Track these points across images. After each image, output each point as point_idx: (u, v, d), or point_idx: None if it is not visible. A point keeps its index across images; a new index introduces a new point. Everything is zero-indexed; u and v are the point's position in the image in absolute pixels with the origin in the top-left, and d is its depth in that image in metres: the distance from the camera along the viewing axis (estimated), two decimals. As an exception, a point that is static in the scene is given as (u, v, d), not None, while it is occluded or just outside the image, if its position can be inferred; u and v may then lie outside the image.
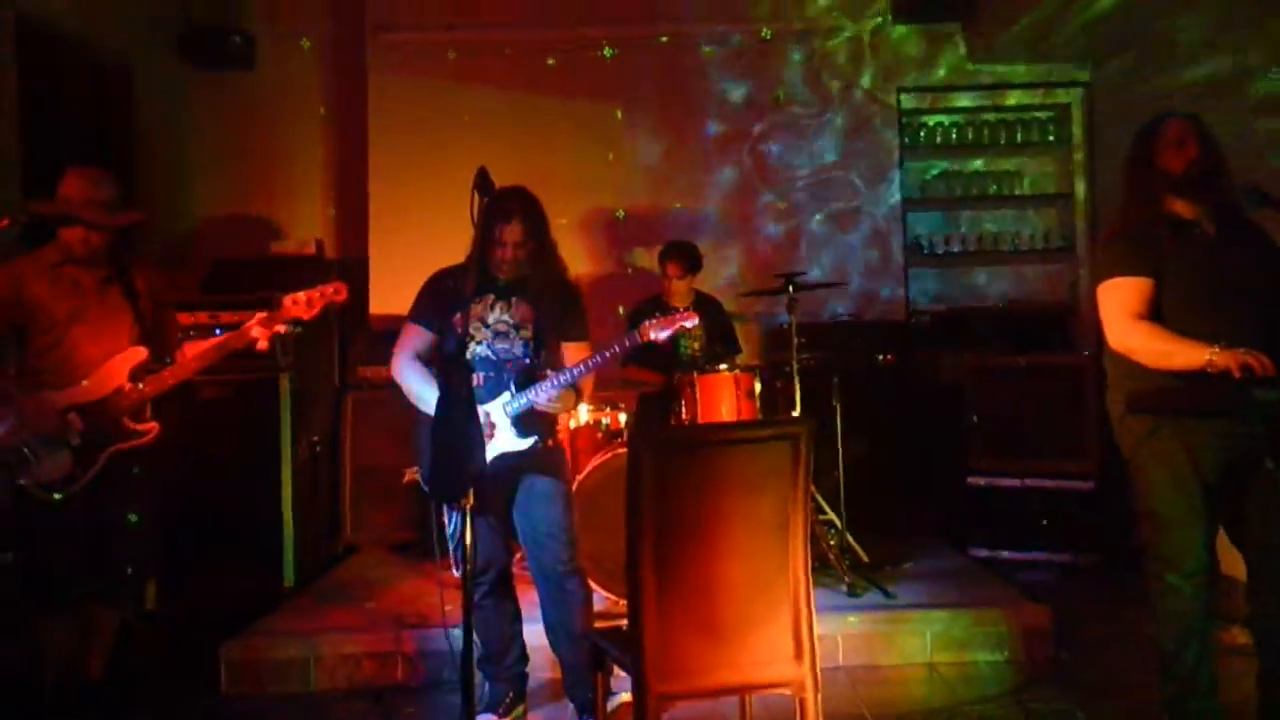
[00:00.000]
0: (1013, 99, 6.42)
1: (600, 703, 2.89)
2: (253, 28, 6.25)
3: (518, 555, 3.71)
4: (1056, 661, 3.98)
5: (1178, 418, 2.94)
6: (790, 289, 4.83)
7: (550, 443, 3.48)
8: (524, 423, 3.35)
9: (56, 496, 3.27)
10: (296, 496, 5.00)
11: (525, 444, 3.35)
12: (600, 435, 4.80)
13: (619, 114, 6.14)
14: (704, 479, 2.55)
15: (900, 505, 5.60)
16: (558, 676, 3.60)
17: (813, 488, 4.56)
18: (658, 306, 5.01)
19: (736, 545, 2.56)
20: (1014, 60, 6.29)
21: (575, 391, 3.48)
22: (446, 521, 3.44)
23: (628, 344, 3.44)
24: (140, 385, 3.39)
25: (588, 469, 4.40)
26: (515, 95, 6.07)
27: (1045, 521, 5.15)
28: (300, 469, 5.07)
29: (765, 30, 6.19)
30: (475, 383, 3.28)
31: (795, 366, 4.74)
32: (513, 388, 3.33)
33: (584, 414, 4.77)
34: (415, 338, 3.44)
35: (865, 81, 6.24)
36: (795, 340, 4.77)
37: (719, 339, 5.21)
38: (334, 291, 3.48)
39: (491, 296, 3.39)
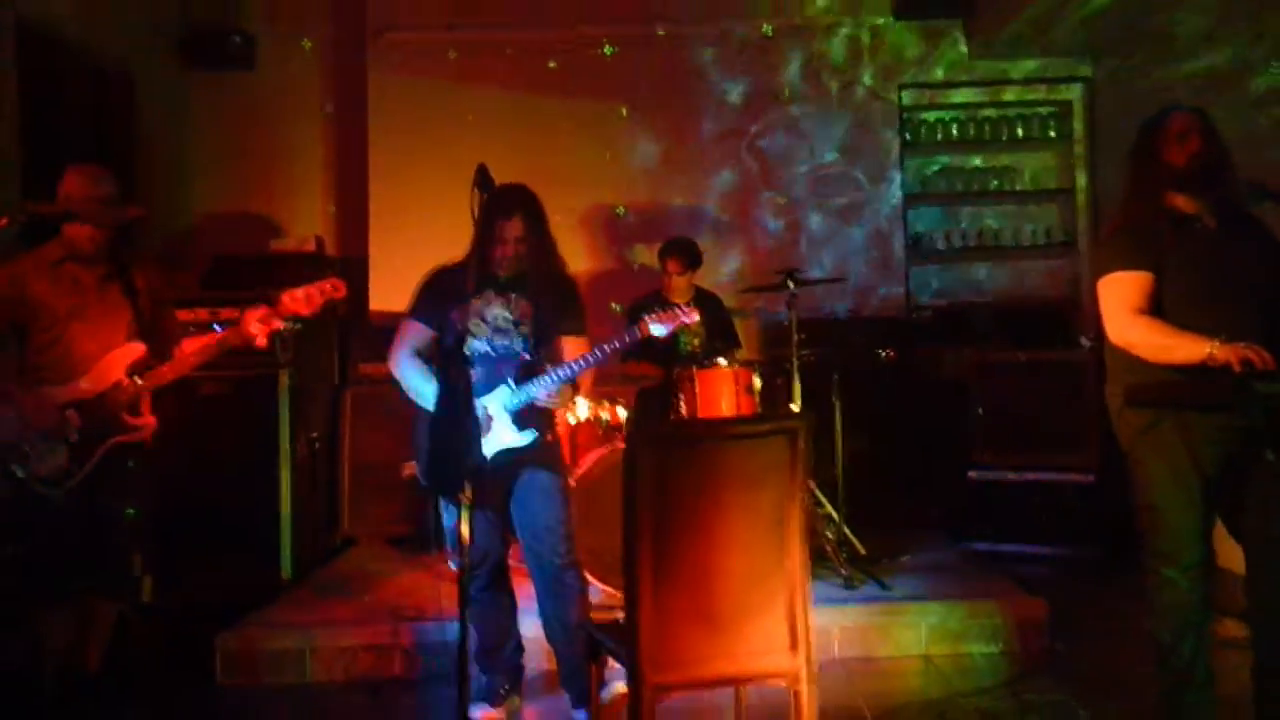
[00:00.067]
0: (1014, 94, 6.41)
1: (595, 694, 2.90)
2: (253, 28, 6.26)
3: (514, 548, 3.71)
4: (1052, 653, 3.99)
5: (1177, 411, 2.94)
6: (790, 285, 4.83)
7: (549, 437, 3.49)
8: (522, 417, 3.36)
9: (54, 491, 3.28)
10: (295, 491, 5.00)
11: (524, 439, 3.36)
12: (600, 430, 4.80)
13: (619, 112, 6.14)
14: (702, 473, 2.56)
15: (900, 500, 5.59)
16: (553, 668, 3.62)
17: (811, 482, 4.62)
18: (658, 302, 5.01)
19: (734, 539, 2.57)
20: (1015, 56, 6.29)
21: (573, 387, 3.49)
22: (444, 515, 3.44)
23: (627, 339, 3.45)
24: (138, 380, 3.40)
25: (587, 463, 4.40)
26: (516, 94, 6.08)
27: (1045, 515, 5.15)
28: (299, 464, 5.08)
29: (766, 27, 6.20)
30: (474, 378, 3.29)
31: (795, 362, 4.74)
32: (512, 383, 3.34)
33: (584, 409, 4.78)
34: (414, 334, 3.44)
35: (866, 78, 6.24)
36: (795, 336, 4.78)
37: (719, 335, 5.21)
38: (332, 288, 3.48)
39: (491, 293, 3.39)
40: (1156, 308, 2.96)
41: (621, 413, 4.83)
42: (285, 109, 6.34)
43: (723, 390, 4.61)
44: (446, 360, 3.22)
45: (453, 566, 4.17)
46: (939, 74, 6.34)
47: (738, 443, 2.61)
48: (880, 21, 6.26)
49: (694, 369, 4.66)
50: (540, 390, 3.31)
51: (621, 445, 4.24)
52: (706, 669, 2.55)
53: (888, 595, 4.29)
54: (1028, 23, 5.72)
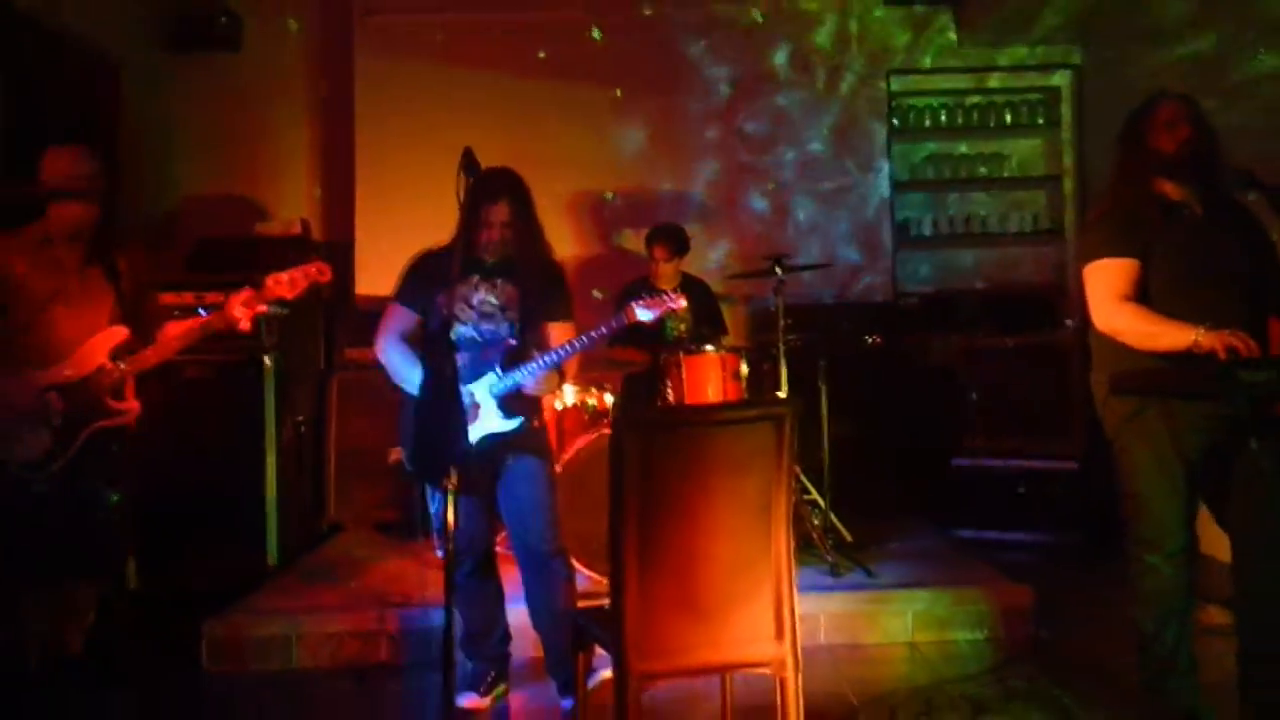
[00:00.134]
0: (1002, 81, 6.40)
1: (581, 681, 2.90)
2: (239, 9, 6.19)
3: (501, 535, 3.71)
4: (1037, 640, 4.01)
5: (1162, 399, 2.94)
6: (777, 271, 4.82)
7: (535, 423, 3.48)
8: (509, 404, 3.34)
9: (37, 476, 3.26)
10: (281, 476, 4.98)
11: (510, 425, 3.34)
12: (586, 416, 4.80)
13: (608, 96, 6.11)
14: (688, 459, 2.54)
15: (885, 486, 5.60)
16: (540, 655, 3.61)
17: (797, 468, 4.63)
18: (645, 288, 5.01)
19: (719, 525, 2.56)
20: (1003, 43, 6.28)
21: (560, 373, 3.48)
22: (430, 501, 3.43)
23: (614, 325, 3.43)
24: (121, 364, 3.38)
25: (573, 449, 4.40)
26: (504, 77, 6.04)
27: (1030, 502, 5.17)
28: (285, 450, 5.06)
29: (755, 13, 6.17)
30: (460, 363, 3.27)
31: (782, 348, 4.74)
32: (498, 369, 3.32)
33: (570, 395, 4.77)
34: (400, 318, 3.42)
35: (854, 64, 6.22)
36: (782, 322, 4.77)
37: (706, 321, 5.21)
38: (317, 271, 3.46)
39: (477, 277, 3.37)
40: (1142, 295, 2.97)
41: (608, 398, 4.83)
42: (271, 91, 6.28)
43: (710, 376, 4.61)
44: (431, 345, 3.21)
45: (440, 554, 4.15)
46: (927, 61, 6.32)
47: (724, 429, 2.60)
48: (869, 8, 6.24)
49: (681, 355, 4.65)
50: (527, 376, 3.30)
51: (608, 431, 4.23)
52: (692, 657, 2.54)
53: (874, 582, 4.29)
54: (1017, 9, 5.71)
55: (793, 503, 2.63)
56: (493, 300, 3.38)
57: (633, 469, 2.48)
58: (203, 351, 4.06)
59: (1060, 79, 6.36)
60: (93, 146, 3.45)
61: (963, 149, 6.56)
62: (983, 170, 6.49)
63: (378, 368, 3.46)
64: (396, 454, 3.51)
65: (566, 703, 3.41)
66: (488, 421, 3.32)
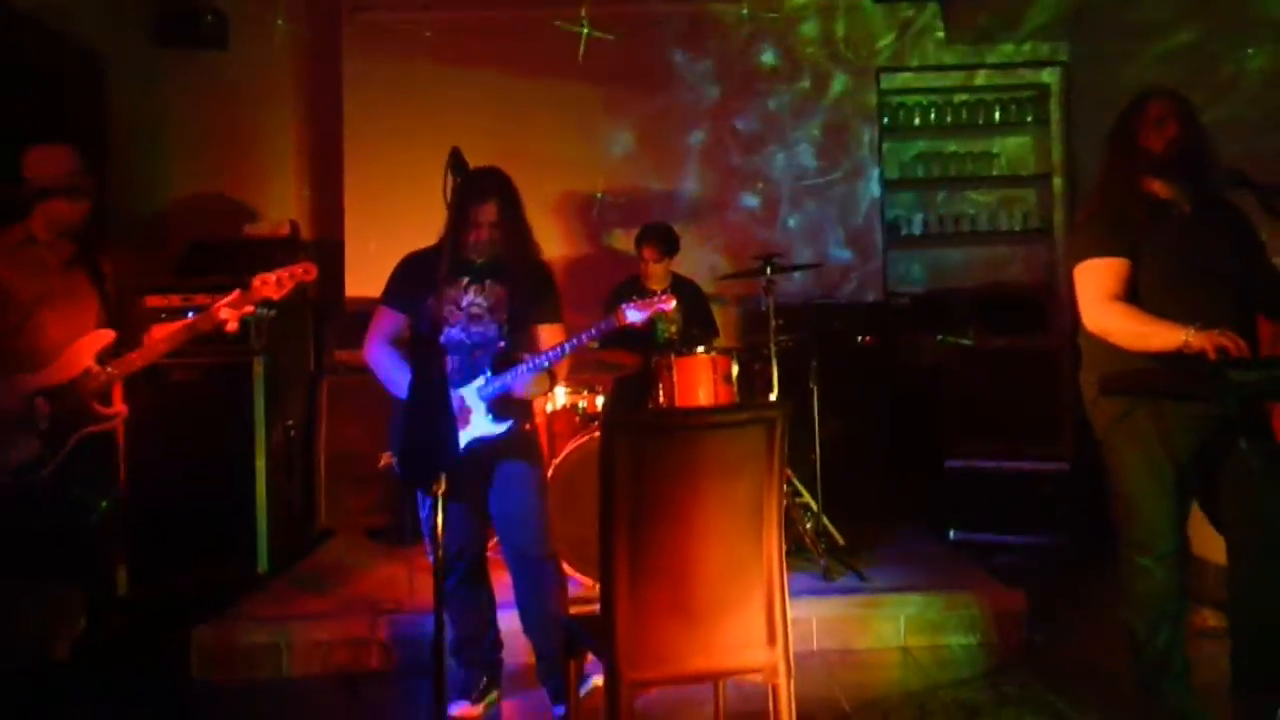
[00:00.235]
0: (991, 79, 6.40)
1: (572, 689, 2.88)
2: (226, 6, 6.14)
3: (492, 540, 3.68)
4: (1030, 645, 4.00)
5: (1152, 400, 2.94)
6: (768, 271, 4.80)
7: (526, 427, 3.45)
8: (499, 407, 3.32)
9: (25, 481, 3.23)
10: (270, 481, 4.95)
11: (500, 428, 3.32)
12: (577, 419, 4.78)
13: (597, 96, 6.09)
14: (678, 463, 2.53)
15: (878, 488, 5.59)
16: (532, 662, 3.58)
17: (789, 471, 4.61)
18: (635, 289, 5.00)
19: (711, 530, 2.54)
20: (992, 40, 6.27)
21: (550, 375, 3.45)
22: (421, 507, 3.41)
23: (604, 327, 3.41)
24: (108, 368, 3.35)
25: (564, 453, 4.38)
26: (493, 76, 6.02)
27: (1020, 504, 5.16)
28: (275, 454, 5.03)
29: (743, 11, 6.16)
30: (449, 366, 3.25)
31: (773, 349, 4.73)
32: (488, 372, 3.30)
33: (561, 397, 4.75)
34: (388, 321, 3.39)
35: (843, 63, 6.22)
36: (773, 322, 4.76)
37: (697, 322, 5.19)
38: (303, 271, 3.45)
39: (465, 279, 3.35)
40: (1132, 294, 2.96)
41: (599, 401, 4.81)
42: (259, 90, 6.24)
43: (701, 378, 4.59)
44: (420, 349, 3.18)
45: (432, 559, 4.13)
46: (916, 59, 6.32)
47: (715, 432, 2.58)
48: (858, 5, 6.23)
49: (672, 357, 4.63)
50: (516, 379, 3.27)
51: (599, 434, 4.21)
52: (684, 664, 2.53)
53: (866, 587, 4.28)
54: (1003, 6, 5.70)
55: (784, 506, 2.61)
56: (481, 302, 3.35)
57: (623, 473, 2.47)
58: (192, 355, 4.03)
59: (1049, 76, 6.35)
60: (79, 146, 3.42)
61: (952, 147, 6.55)
62: (971, 168, 6.48)
63: (368, 370, 3.43)
64: (387, 458, 3.47)
65: (558, 710, 3.38)
66: (478, 425, 3.30)
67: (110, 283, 3.46)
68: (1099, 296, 2.99)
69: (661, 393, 4.63)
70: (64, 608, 3.47)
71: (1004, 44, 6.31)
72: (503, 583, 3.53)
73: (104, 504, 3.40)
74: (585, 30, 6.03)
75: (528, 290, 3.37)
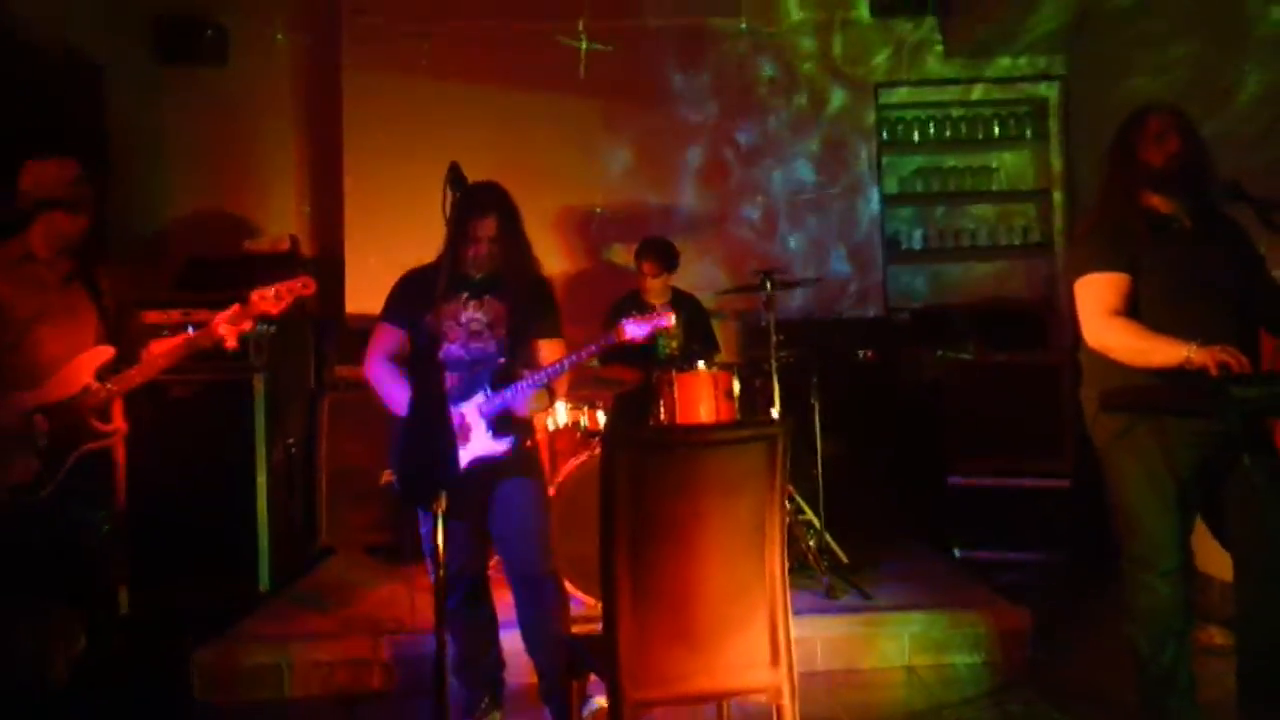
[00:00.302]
0: (990, 94, 6.40)
1: (575, 710, 2.86)
2: (226, 22, 6.16)
3: (493, 559, 3.66)
4: (1035, 663, 3.98)
5: (1153, 416, 2.92)
6: (769, 286, 4.79)
7: (528, 443, 3.43)
8: (499, 424, 3.30)
9: (25, 499, 3.22)
10: (271, 499, 4.94)
11: (501, 446, 3.30)
12: (579, 435, 4.76)
13: (596, 110, 6.10)
14: (680, 481, 2.52)
15: (881, 505, 5.56)
16: (534, 682, 3.56)
17: (791, 487, 4.59)
18: (635, 304, 4.99)
19: (713, 548, 2.53)
20: (991, 55, 6.28)
21: (550, 391, 3.44)
22: (423, 524, 3.39)
23: (604, 342, 3.40)
24: (107, 384, 3.33)
25: (566, 470, 4.36)
26: (492, 90, 6.02)
27: (1022, 520, 5.14)
28: (275, 471, 5.02)
29: (742, 25, 6.17)
30: (448, 383, 3.24)
31: (774, 364, 4.71)
32: (487, 388, 3.28)
33: (562, 414, 4.74)
34: (387, 338, 3.38)
35: (842, 77, 6.23)
36: (774, 338, 4.75)
37: (698, 337, 5.18)
38: (302, 285, 3.43)
39: (465, 295, 3.33)
40: (1132, 309, 2.95)
41: (601, 418, 4.79)
42: (259, 105, 6.26)
43: (702, 394, 4.58)
44: (420, 365, 3.18)
45: (433, 578, 4.11)
46: (915, 74, 6.32)
47: (716, 449, 2.58)
48: (856, 20, 6.24)
49: (673, 373, 4.62)
50: (517, 395, 3.26)
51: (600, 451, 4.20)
52: (688, 685, 2.52)
53: (870, 605, 4.26)
54: (1001, 21, 5.72)
55: (785, 524, 2.60)
56: (481, 318, 3.34)
57: (624, 490, 2.46)
58: (193, 371, 4.00)
59: (1048, 90, 6.36)
60: (80, 160, 3.41)
61: (951, 162, 6.55)
62: (971, 183, 6.48)
63: (369, 387, 3.42)
64: (389, 476, 3.46)
65: (561, 731, 3.37)
66: (478, 443, 3.28)
67: (109, 298, 3.43)
68: (1099, 311, 2.98)
69: (662, 409, 4.62)
70: (63, 628, 3.44)
71: (1002, 58, 6.32)
72: (504, 602, 3.51)
73: (106, 526, 3.38)
74: (584, 45, 6.04)
75: (527, 305, 3.36)
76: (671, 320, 3.48)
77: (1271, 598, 2.88)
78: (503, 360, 3.33)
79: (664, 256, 5.13)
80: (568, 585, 3.57)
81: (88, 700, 3.47)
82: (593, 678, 2.75)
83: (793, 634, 2.57)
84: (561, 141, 6.04)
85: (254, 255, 5.74)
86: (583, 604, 4.08)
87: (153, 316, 4.76)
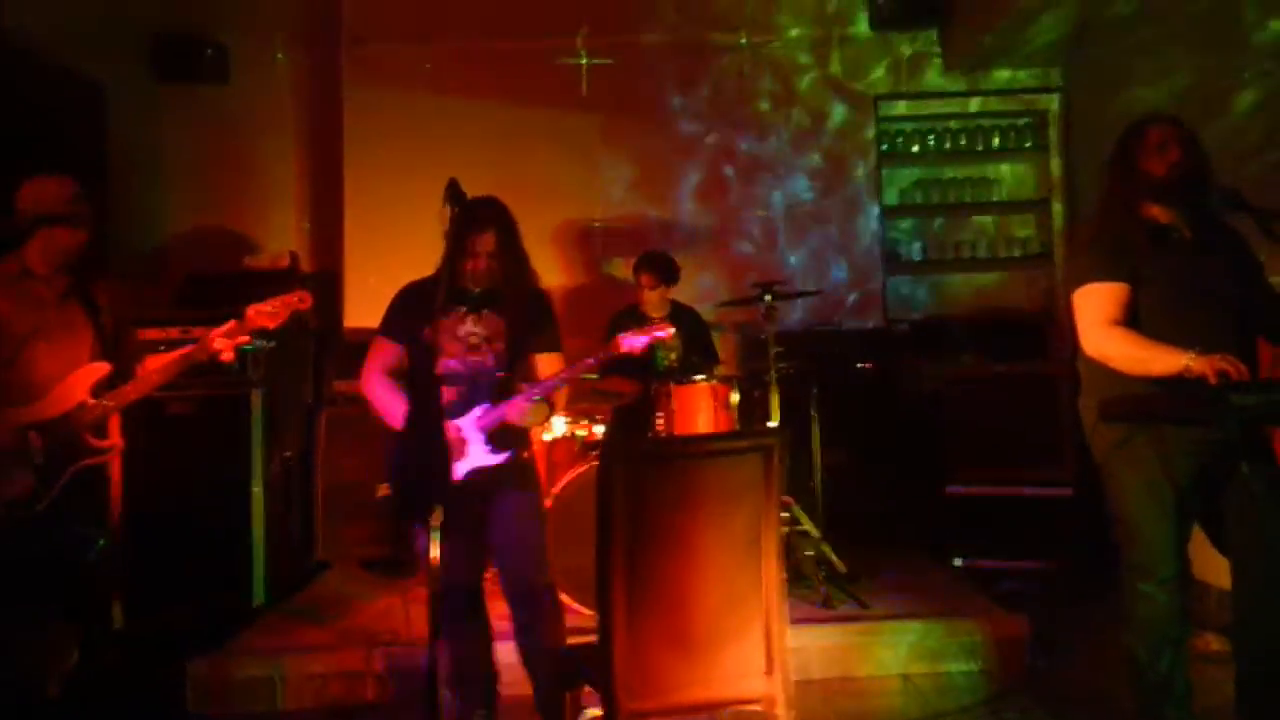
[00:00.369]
0: (990, 105, 6.42)
1: (569, 720, 2.85)
2: (226, 40, 6.20)
3: (489, 571, 3.65)
4: (1032, 671, 3.96)
5: (1152, 425, 2.92)
6: (768, 298, 4.80)
7: (524, 456, 3.43)
8: (497, 437, 3.29)
9: (21, 515, 3.22)
10: (268, 513, 4.93)
11: (498, 459, 3.29)
12: (577, 447, 4.76)
13: (595, 124, 6.12)
14: (676, 491, 2.53)
15: (879, 514, 5.55)
16: (529, 694, 3.54)
17: (789, 498, 4.59)
18: (634, 317, 4.98)
19: (709, 559, 2.53)
20: (991, 67, 6.30)
21: (548, 404, 3.44)
22: (419, 537, 3.38)
23: (602, 355, 3.40)
24: (105, 401, 3.33)
25: (563, 482, 4.36)
26: (492, 106, 6.06)
27: (1022, 530, 5.13)
28: (272, 485, 5.02)
29: (741, 39, 6.19)
30: (446, 397, 3.24)
31: (773, 376, 4.71)
32: (485, 402, 3.28)
33: (560, 426, 4.73)
34: (385, 352, 3.38)
35: (841, 90, 6.25)
36: (773, 349, 4.74)
37: (697, 349, 5.17)
38: (298, 299, 3.43)
39: (463, 309, 3.33)
40: (1132, 319, 2.95)
41: (598, 429, 4.79)
42: (259, 122, 6.30)
43: (700, 406, 4.58)
44: (417, 380, 3.18)
45: (428, 590, 4.10)
46: (915, 86, 6.34)
47: (713, 460, 2.58)
48: (855, 35, 6.26)
49: (671, 385, 4.62)
50: (514, 409, 3.25)
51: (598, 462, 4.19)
52: (683, 695, 2.51)
53: (866, 614, 4.25)
54: (1001, 33, 5.73)
55: (781, 534, 2.59)
56: (479, 332, 3.34)
57: (621, 502, 2.46)
58: (191, 387, 4.00)
59: (1047, 101, 6.37)
60: (79, 178, 3.42)
61: (951, 173, 6.56)
62: (971, 194, 6.48)
63: (366, 401, 3.42)
64: (386, 489, 3.45)
65: (557, 741, 3.35)
66: (475, 456, 3.27)
67: (106, 315, 3.44)
68: (1099, 321, 2.98)
69: (661, 421, 4.61)
70: (56, 643, 3.44)
71: (1002, 70, 6.34)
72: (500, 613, 3.50)
73: (101, 542, 3.38)
74: (584, 60, 6.06)
75: (525, 319, 3.36)
76: (669, 333, 3.48)
77: (1269, 605, 2.86)
78: (500, 374, 3.32)
79: (662, 270, 5.14)
80: (564, 597, 3.56)
81: (81, 713, 3.47)
82: (588, 690, 2.73)
83: (789, 643, 2.56)
84: (561, 157, 6.07)
85: (254, 272, 5.76)
86: (578, 615, 4.07)
87: (149, 333, 4.77)
